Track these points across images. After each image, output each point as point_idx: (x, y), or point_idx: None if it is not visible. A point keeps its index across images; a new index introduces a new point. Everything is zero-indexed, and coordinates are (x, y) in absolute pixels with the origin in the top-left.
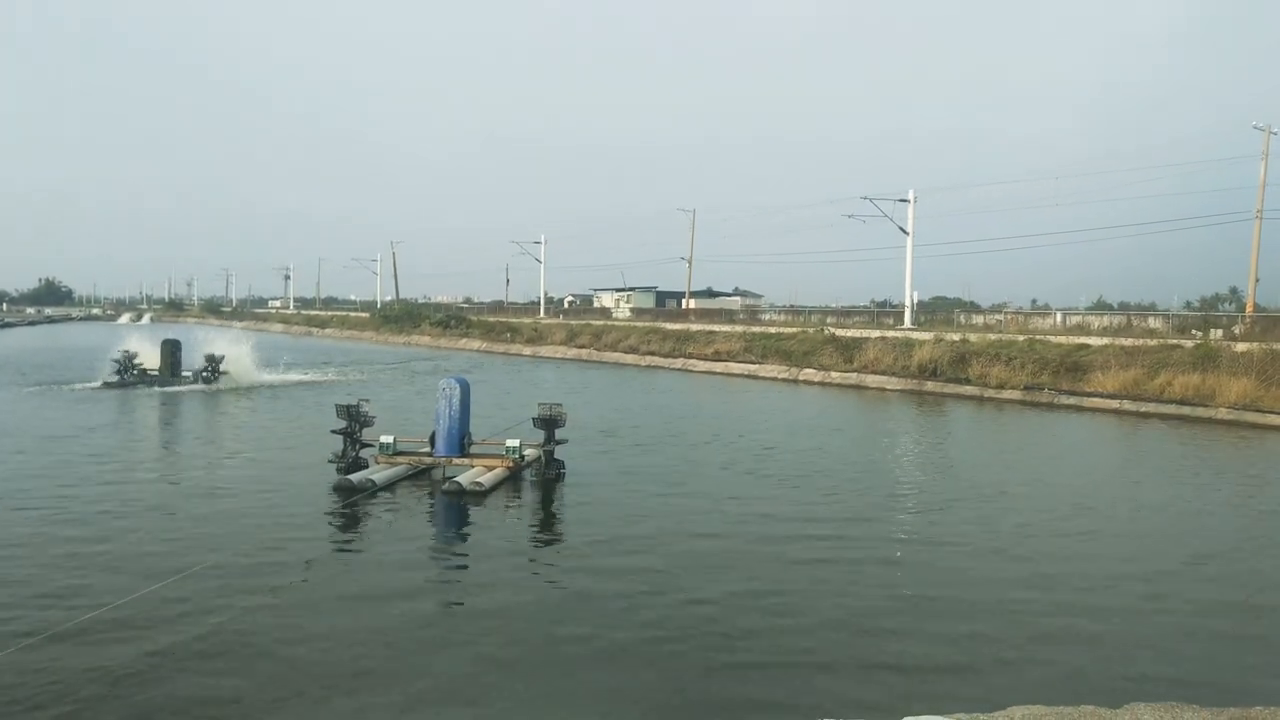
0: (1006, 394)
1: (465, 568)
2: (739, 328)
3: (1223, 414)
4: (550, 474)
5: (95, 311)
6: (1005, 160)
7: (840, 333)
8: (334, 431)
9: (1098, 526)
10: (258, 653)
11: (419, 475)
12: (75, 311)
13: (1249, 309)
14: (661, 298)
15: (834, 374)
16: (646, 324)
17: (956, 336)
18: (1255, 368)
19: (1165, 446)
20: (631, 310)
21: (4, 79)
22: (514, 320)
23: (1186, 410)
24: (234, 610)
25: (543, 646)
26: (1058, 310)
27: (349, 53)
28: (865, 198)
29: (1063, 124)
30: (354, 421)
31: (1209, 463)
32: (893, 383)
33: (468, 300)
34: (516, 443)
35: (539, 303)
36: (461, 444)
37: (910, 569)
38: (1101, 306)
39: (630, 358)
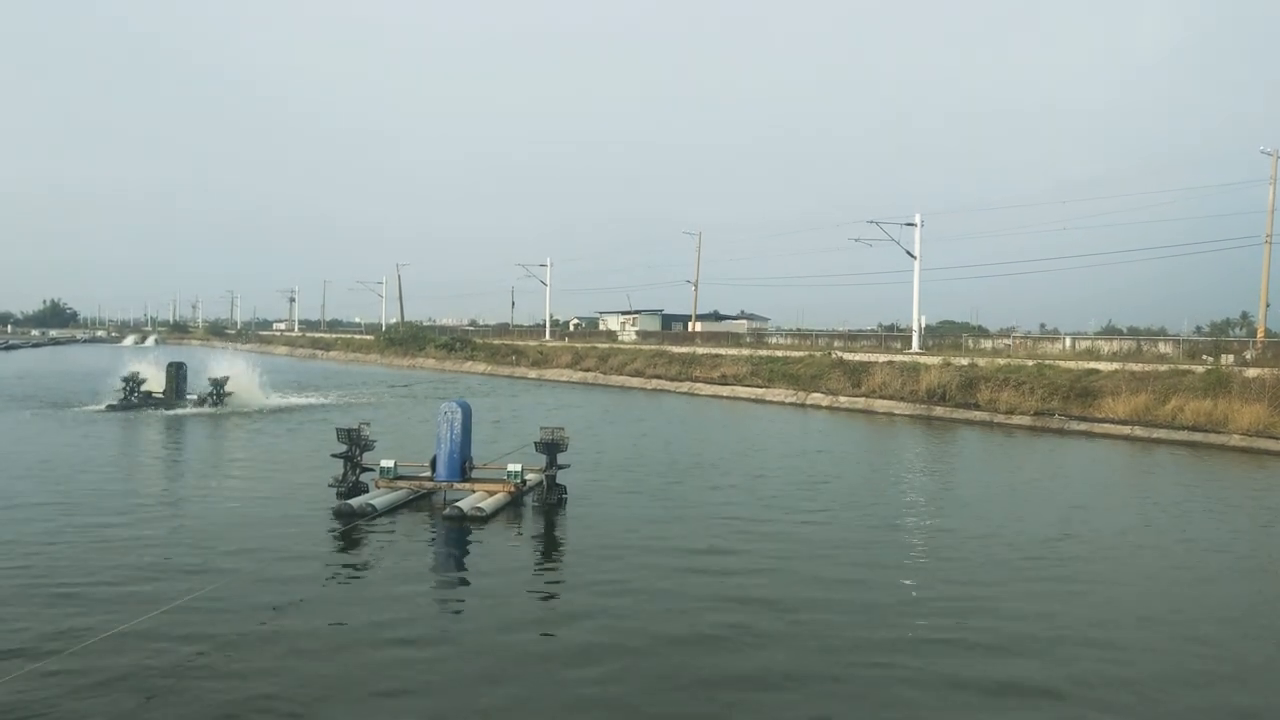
0: (1016, 419)
1: (464, 595)
2: (745, 351)
3: (1236, 440)
4: (552, 499)
5: (100, 333)
6: (1010, 183)
7: (847, 356)
8: (334, 455)
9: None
10: (250, 681)
11: (420, 500)
12: (80, 333)
13: (1260, 334)
14: (667, 320)
15: (842, 398)
16: (652, 347)
17: (964, 361)
18: (1268, 394)
19: (1195, 478)
20: (637, 333)
21: (10, 100)
22: (519, 343)
23: (1199, 437)
24: (227, 638)
25: (541, 676)
26: (1066, 334)
27: (343, 73)
28: (872, 221)
29: (1066, 146)
30: (354, 445)
31: (1232, 494)
32: (901, 407)
33: (473, 323)
34: (518, 467)
35: (544, 325)
36: (463, 468)
37: (927, 601)
38: (1111, 331)
39: (636, 381)
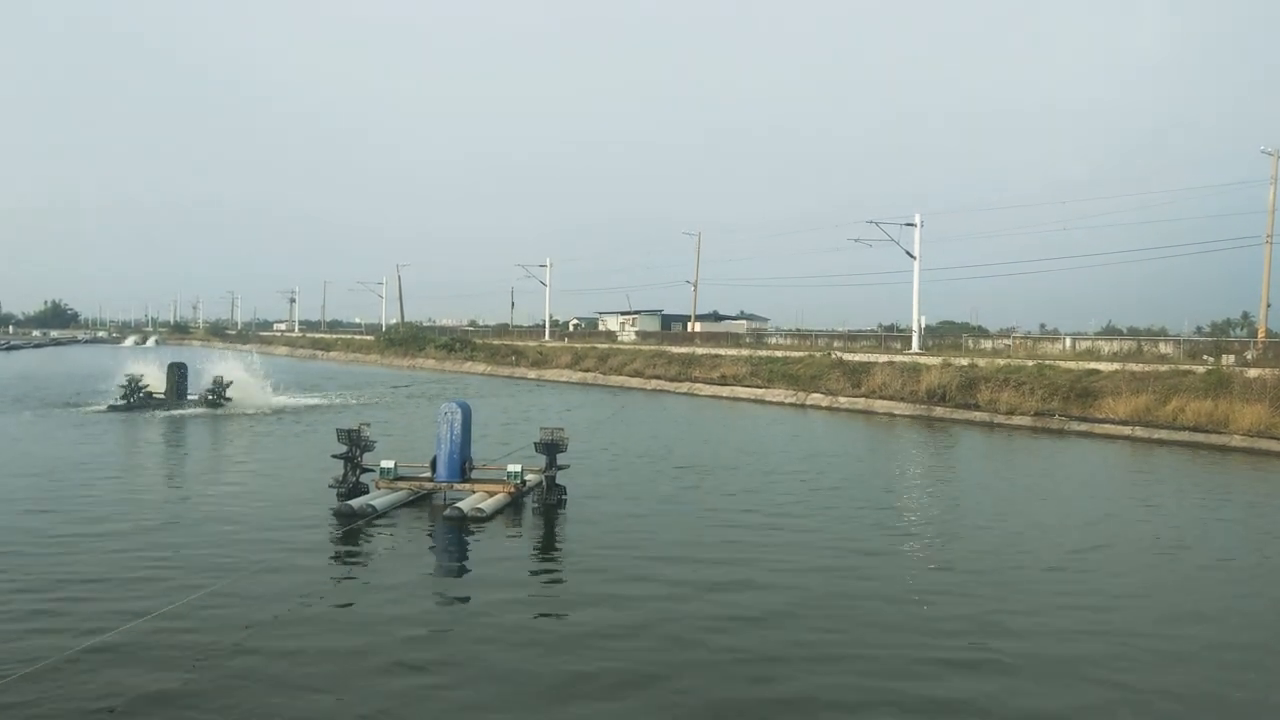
0: (1016, 420)
1: (464, 596)
2: (745, 351)
3: (1237, 441)
4: (552, 500)
5: (101, 334)
6: (1010, 183)
7: (847, 357)
8: (334, 456)
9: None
10: (249, 682)
11: (420, 501)
12: (81, 334)
13: (1260, 334)
14: (667, 321)
15: (841, 399)
16: (652, 347)
17: (964, 361)
18: (1269, 394)
19: (1204, 480)
20: (637, 333)
21: (13, 100)
22: (519, 343)
23: (1200, 437)
24: (226, 638)
25: (541, 679)
26: (1066, 335)
27: (343, 73)
28: (872, 221)
29: (1066, 146)
30: (355, 446)
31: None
32: (901, 408)
33: (473, 323)
34: (518, 468)
35: (544, 326)
36: (463, 469)
37: (943, 618)
38: (1111, 331)
39: (635, 381)
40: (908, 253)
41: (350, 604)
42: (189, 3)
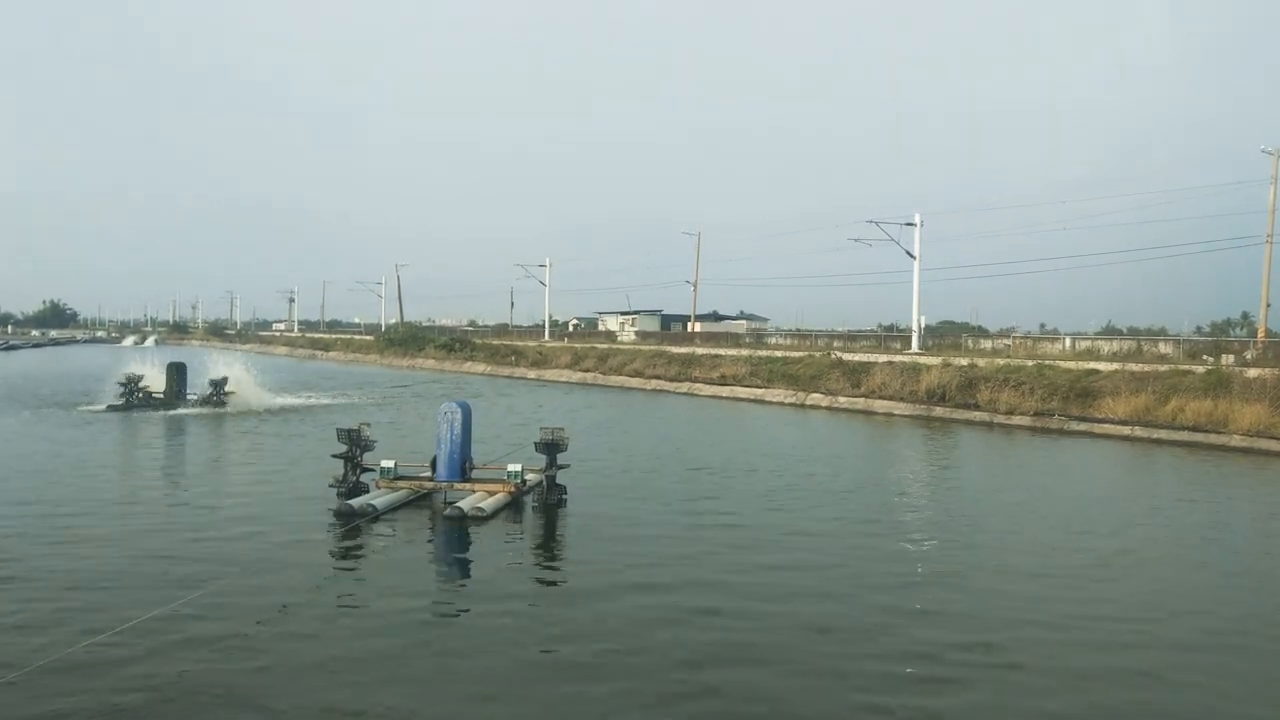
0: (1016, 420)
1: (464, 595)
2: (745, 351)
3: (1236, 441)
4: (552, 500)
5: (100, 334)
6: (1010, 183)
7: (847, 357)
8: (335, 455)
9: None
10: (249, 682)
11: (420, 500)
12: (80, 334)
13: (1260, 334)
14: (666, 321)
15: (841, 399)
16: (652, 347)
17: (964, 361)
18: (1268, 394)
19: (1210, 482)
20: (636, 333)
21: (12, 103)
22: (519, 343)
23: (1199, 437)
24: (227, 638)
25: (542, 678)
26: (1066, 335)
27: (344, 73)
28: (871, 221)
29: (1066, 146)
30: (355, 445)
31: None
32: (901, 408)
33: (472, 323)
34: (518, 467)
35: (543, 326)
36: (463, 469)
37: (939, 620)
38: (1110, 331)
39: (635, 381)
40: (908, 253)
41: (350, 603)
42: (187, 1)
